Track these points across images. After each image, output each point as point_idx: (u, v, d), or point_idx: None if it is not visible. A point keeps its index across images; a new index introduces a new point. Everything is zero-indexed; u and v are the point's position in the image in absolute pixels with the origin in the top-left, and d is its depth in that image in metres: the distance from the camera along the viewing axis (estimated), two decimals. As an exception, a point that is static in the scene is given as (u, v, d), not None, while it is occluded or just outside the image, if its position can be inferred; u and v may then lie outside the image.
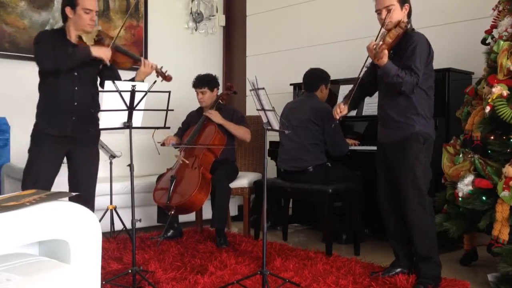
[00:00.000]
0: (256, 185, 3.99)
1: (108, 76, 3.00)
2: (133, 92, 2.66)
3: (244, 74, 5.66)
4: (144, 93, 2.71)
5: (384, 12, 2.76)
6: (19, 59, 4.35)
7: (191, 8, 5.56)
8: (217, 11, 5.74)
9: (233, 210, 4.76)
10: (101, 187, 3.87)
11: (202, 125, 3.95)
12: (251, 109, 4.69)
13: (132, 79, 3.03)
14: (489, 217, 2.75)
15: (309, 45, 5.07)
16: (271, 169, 4.28)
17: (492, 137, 2.87)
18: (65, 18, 2.92)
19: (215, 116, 3.92)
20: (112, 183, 3.78)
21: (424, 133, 2.76)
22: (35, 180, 2.82)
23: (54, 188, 2.77)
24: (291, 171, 3.73)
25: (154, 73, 3.13)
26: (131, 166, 2.81)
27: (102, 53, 2.88)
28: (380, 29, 2.77)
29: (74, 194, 1.91)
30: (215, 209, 3.74)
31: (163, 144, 3.92)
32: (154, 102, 2.75)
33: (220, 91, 4.21)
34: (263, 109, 2.75)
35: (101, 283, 2.05)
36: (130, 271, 2.71)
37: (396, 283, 2.80)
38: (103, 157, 3.78)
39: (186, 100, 4.25)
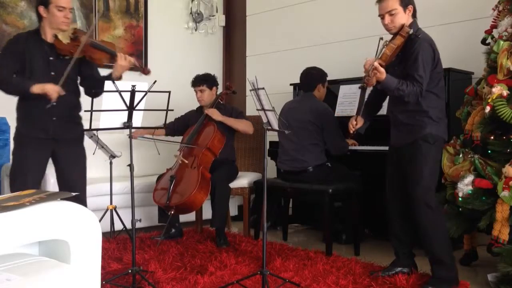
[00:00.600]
0: (256, 185, 3.99)
1: (85, 73, 2.99)
2: (133, 92, 2.66)
3: (244, 74, 5.65)
4: (144, 93, 2.71)
5: (387, 18, 2.75)
6: (19, 59, 4.34)
7: (191, 8, 5.56)
8: (217, 11, 5.74)
9: (233, 210, 4.76)
10: (101, 187, 3.90)
11: (202, 125, 3.95)
12: (251, 109, 4.69)
13: (110, 75, 2.96)
14: (489, 217, 2.74)
15: (309, 45, 5.07)
16: (271, 169, 4.28)
17: (492, 137, 2.87)
18: (40, 18, 2.88)
19: (215, 114, 3.93)
20: (112, 183, 3.78)
21: (434, 135, 2.75)
22: (24, 183, 2.77)
23: (52, 190, 2.76)
24: (291, 171, 3.73)
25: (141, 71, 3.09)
26: (131, 166, 2.81)
27: (48, 89, 2.71)
28: (379, 43, 2.74)
29: (74, 194, 1.91)
30: (215, 209, 3.74)
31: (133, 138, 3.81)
32: (154, 102, 2.75)
33: (220, 91, 4.22)
34: (263, 109, 2.75)
35: (101, 283, 2.04)
36: (130, 271, 2.72)
37: (396, 283, 2.80)
38: (103, 157, 3.80)
39: (186, 100, 4.25)
